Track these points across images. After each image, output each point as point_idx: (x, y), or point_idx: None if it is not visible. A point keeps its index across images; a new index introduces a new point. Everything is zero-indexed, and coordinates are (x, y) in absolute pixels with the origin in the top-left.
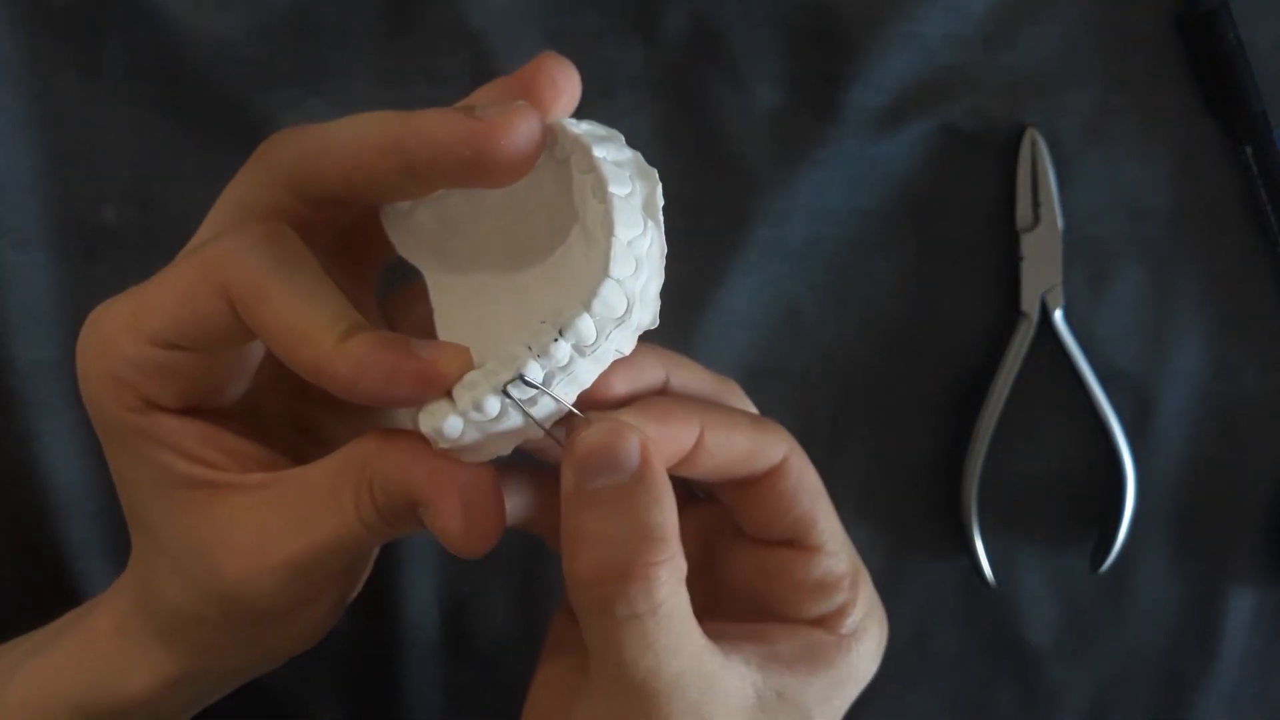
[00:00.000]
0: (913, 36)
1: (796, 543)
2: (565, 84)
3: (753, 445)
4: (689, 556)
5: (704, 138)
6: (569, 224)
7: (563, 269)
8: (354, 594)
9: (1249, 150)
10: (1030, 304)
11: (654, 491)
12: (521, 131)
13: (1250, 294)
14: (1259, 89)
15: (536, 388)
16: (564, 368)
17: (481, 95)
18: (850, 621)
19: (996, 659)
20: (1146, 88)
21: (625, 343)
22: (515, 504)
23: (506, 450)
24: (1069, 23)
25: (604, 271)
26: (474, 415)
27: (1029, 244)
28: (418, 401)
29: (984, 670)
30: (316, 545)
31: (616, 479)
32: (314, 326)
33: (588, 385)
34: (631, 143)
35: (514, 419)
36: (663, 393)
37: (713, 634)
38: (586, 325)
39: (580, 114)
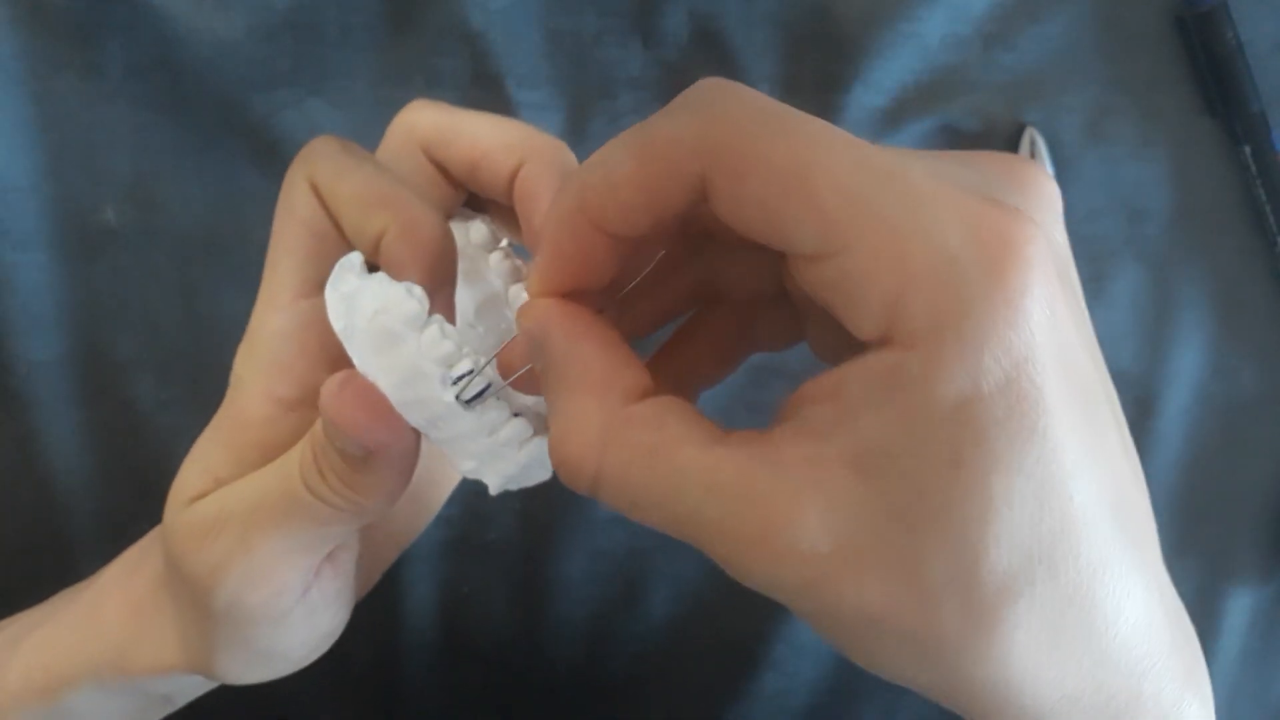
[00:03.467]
0: (913, 36)
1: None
2: None
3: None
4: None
5: None
6: None
7: None
8: (337, 604)
9: (1248, 150)
10: None
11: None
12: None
13: (1250, 294)
14: (1258, 89)
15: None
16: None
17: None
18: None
19: None
20: (1146, 88)
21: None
22: None
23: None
24: (1069, 23)
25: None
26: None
27: None
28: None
29: None
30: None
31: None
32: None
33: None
34: None
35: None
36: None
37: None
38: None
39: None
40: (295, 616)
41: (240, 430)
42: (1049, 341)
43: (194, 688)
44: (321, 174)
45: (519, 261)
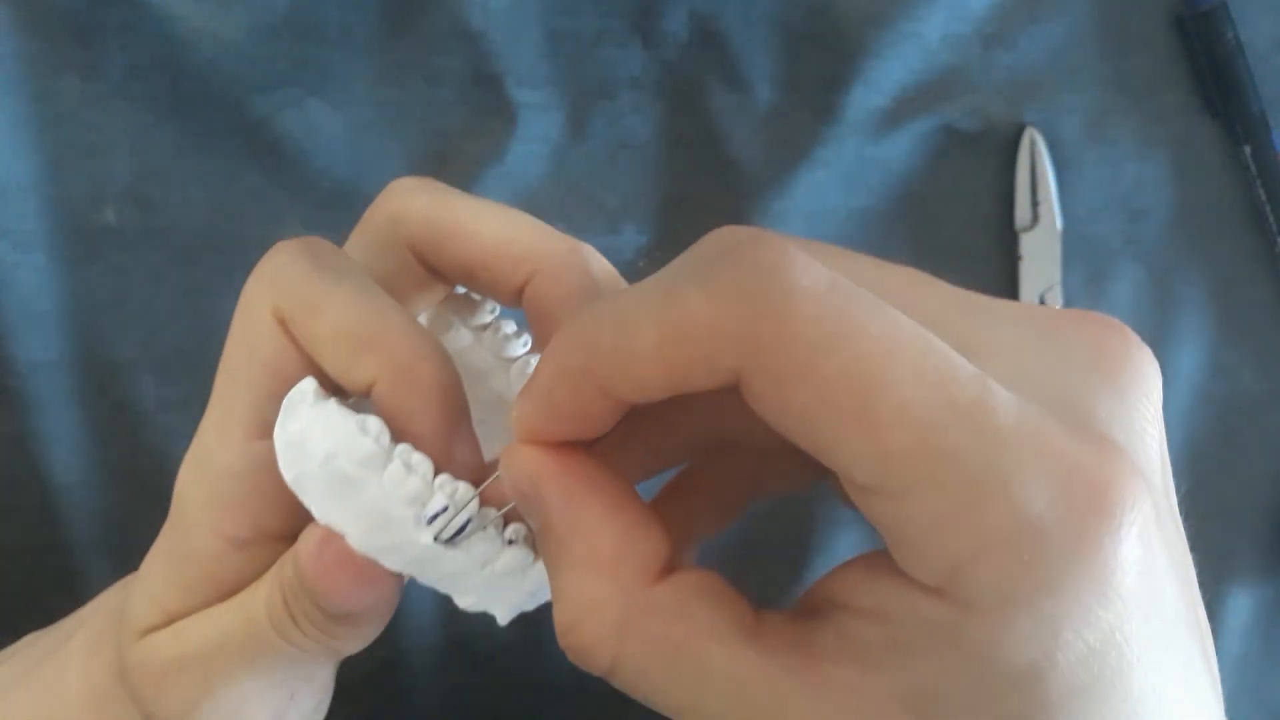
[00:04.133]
0: (913, 36)
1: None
2: None
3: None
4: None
5: (704, 138)
6: None
7: None
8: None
9: (1247, 150)
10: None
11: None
12: None
13: (1250, 294)
14: (1257, 89)
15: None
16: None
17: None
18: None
19: None
20: (1146, 88)
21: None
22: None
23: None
24: (1069, 23)
25: None
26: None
27: (1028, 244)
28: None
29: None
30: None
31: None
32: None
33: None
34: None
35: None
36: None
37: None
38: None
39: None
40: None
41: (187, 563)
42: (1140, 606)
43: None
44: (291, 306)
45: (510, 329)
